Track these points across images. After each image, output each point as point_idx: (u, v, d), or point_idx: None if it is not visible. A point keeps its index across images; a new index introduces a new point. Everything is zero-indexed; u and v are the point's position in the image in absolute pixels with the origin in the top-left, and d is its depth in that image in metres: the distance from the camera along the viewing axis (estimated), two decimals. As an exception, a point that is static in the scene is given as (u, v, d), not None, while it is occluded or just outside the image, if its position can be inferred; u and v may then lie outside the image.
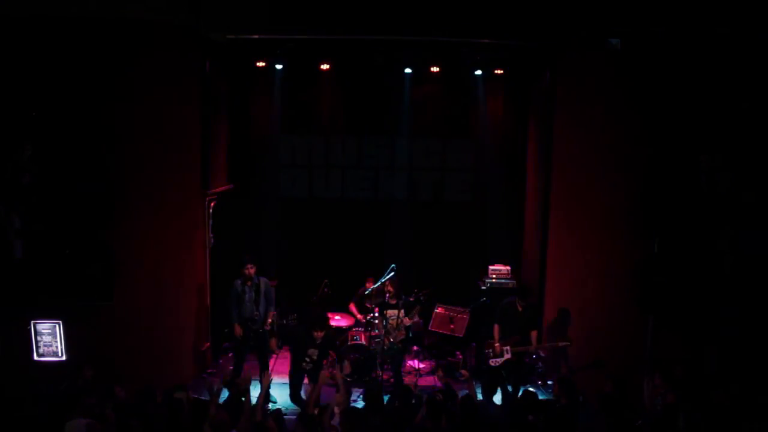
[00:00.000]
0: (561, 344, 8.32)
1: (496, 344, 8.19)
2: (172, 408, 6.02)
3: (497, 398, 8.18)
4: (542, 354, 9.50)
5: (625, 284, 8.02)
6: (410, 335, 8.91)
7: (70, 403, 5.96)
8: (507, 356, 8.12)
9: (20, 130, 7.79)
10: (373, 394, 6.58)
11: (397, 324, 8.51)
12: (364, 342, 9.21)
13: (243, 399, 6.58)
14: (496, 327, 8.31)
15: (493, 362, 8.18)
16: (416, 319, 8.75)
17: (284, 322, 8.74)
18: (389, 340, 8.61)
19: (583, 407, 6.77)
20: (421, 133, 10.82)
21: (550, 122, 9.31)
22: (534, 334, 8.27)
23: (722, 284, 7.65)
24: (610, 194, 8.33)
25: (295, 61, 10.18)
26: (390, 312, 8.69)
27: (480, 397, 7.66)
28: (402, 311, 8.54)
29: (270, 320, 8.57)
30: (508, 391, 8.07)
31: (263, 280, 8.57)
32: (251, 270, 8.41)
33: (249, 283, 8.45)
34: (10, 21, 7.73)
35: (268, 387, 6.70)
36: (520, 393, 8.27)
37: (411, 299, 8.81)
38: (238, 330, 8.41)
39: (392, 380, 8.86)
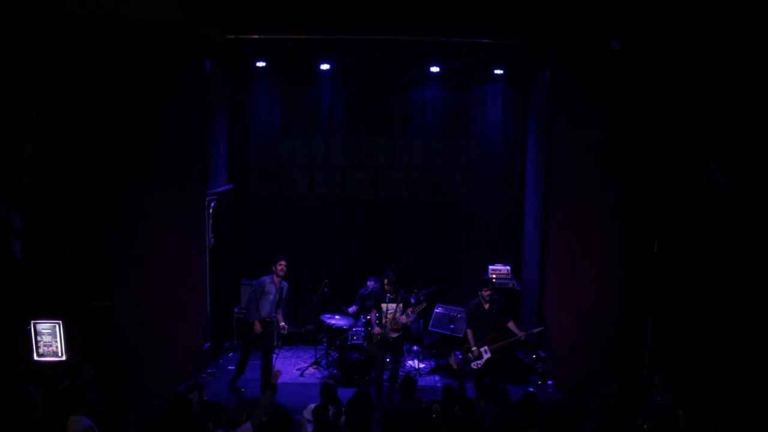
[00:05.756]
0: (535, 331, 8.60)
1: (473, 348, 8.21)
2: (181, 407, 6.01)
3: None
4: (542, 354, 9.51)
5: (625, 284, 8.02)
6: (410, 331, 8.84)
7: (71, 402, 5.95)
8: (487, 356, 8.15)
9: (20, 130, 7.79)
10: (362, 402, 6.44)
11: (394, 317, 8.37)
12: (363, 342, 9.20)
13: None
14: (468, 332, 8.35)
15: (475, 365, 8.19)
16: (412, 316, 8.56)
17: (303, 330, 8.80)
18: (383, 332, 8.37)
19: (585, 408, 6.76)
20: (421, 133, 10.82)
21: (550, 122, 9.31)
22: (512, 324, 8.31)
23: (722, 284, 7.65)
24: (610, 194, 8.33)
25: (295, 61, 10.17)
26: (388, 306, 8.43)
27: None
28: (400, 305, 8.38)
29: (282, 323, 8.72)
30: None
31: (286, 285, 8.73)
32: (283, 268, 8.56)
33: (277, 282, 8.58)
34: (10, 21, 7.73)
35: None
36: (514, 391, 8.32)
37: (412, 300, 8.76)
38: (258, 327, 8.51)
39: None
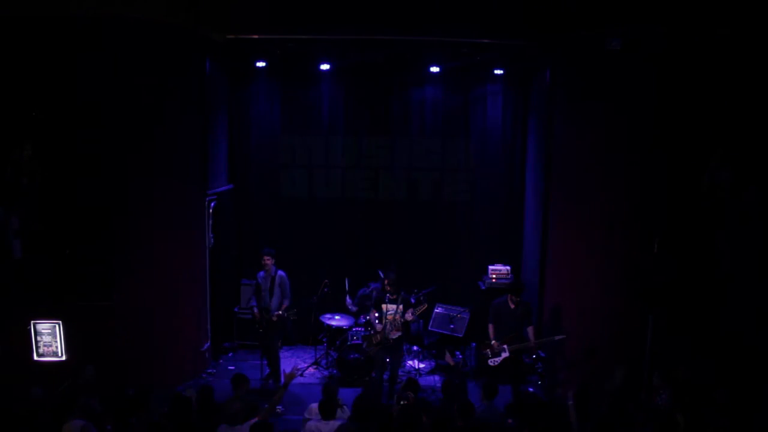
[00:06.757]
0: (557, 338, 8.36)
1: (493, 342, 8.18)
2: (179, 406, 6.00)
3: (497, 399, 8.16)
4: (542, 354, 9.50)
5: (625, 284, 8.02)
6: (410, 331, 8.80)
7: (70, 403, 5.95)
8: (505, 354, 8.12)
9: (20, 130, 7.80)
10: (370, 399, 6.43)
11: (395, 318, 8.33)
12: (363, 343, 9.19)
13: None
14: (490, 327, 8.33)
15: (492, 362, 8.16)
16: (411, 316, 8.52)
17: (284, 315, 8.76)
18: (384, 333, 8.35)
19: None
20: (421, 133, 10.81)
21: (550, 122, 9.31)
22: (531, 329, 8.28)
23: (722, 284, 7.65)
24: (610, 194, 8.33)
25: (295, 61, 10.17)
26: (388, 306, 8.40)
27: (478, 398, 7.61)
28: (401, 306, 8.35)
29: (279, 312, 8.75)
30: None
31: (280, 274, 8.85)
32: (267, 261, 8.78)
33: (265, 275, 8.79)
34: (10, 21, 7.73)
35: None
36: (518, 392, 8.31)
37: (412, 300, 8.75)
38: (257, 313, 8.76)
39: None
